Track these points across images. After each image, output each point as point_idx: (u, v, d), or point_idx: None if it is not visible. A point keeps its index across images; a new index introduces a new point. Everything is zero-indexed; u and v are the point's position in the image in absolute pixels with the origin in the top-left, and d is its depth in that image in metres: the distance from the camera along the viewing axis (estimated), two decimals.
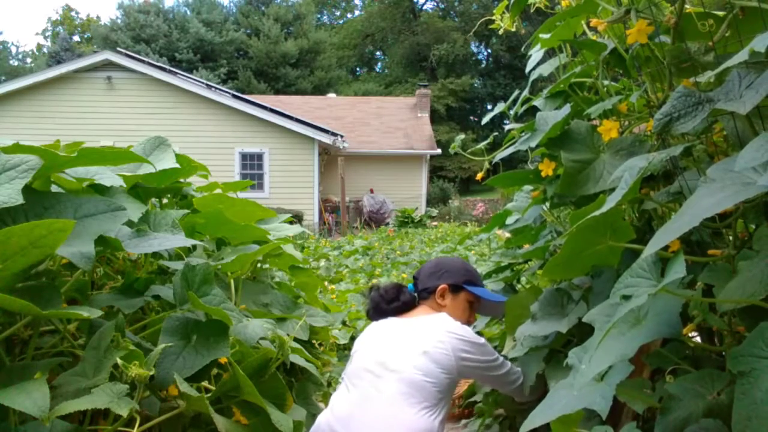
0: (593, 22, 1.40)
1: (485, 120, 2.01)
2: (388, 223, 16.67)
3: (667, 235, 0.81)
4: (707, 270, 1.06)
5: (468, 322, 1.98)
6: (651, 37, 1.22)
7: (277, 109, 15.34)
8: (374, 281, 2.03)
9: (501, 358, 1.85)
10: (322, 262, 7.63)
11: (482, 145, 1.86)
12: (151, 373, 1.17)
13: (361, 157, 18.39)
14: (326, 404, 2.21)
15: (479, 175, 1.83)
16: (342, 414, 1.71)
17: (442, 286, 1.97)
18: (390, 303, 1.97)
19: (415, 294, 2.03)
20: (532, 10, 1.69)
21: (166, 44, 29.27)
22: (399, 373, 1.69)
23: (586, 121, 1.49)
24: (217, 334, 1.36)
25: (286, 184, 15.17)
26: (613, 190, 1.06)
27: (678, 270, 0.89)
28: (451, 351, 1.73)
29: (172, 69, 16.29)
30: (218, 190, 2.18)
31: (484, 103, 35.23)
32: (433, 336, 1.76)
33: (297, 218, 13.85)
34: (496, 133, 2.08)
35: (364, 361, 1.78)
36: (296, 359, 1.70)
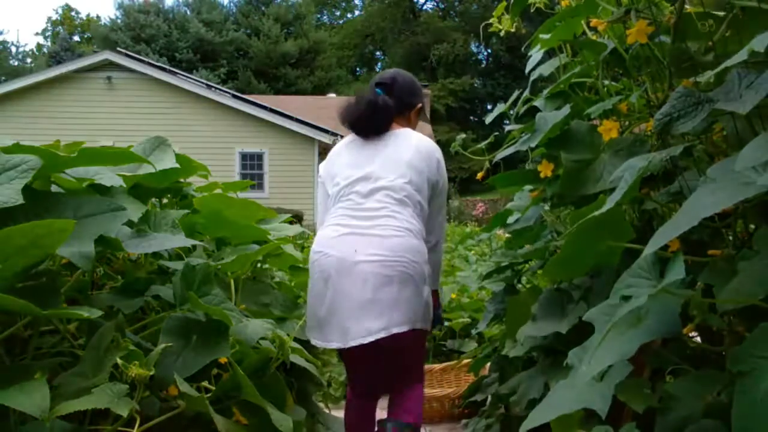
0: (593, 22, 1.40)
1: (488, 120, 2.02)
2: None
3: (667, 234, 0.81)
4: (707, 270, 1.05)
5: None
6: (651, 37, 1.21)
7: (277, 109, 15.31)
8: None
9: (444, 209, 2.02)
10: None
11: (482, 144, 1.86)
12: (151, 373, 1.17)
13: None
14: (326, 404, 2.21)
15: (479, 175, 1.83)
16: (333, 232, 1.79)
17: (419, 105, 2.05)
18: (369, 120, 1.91)
19: (388, 101, 1.92)
20: (532, 10, 1.69)
21: (166, 44, 29.22)
22: (388, 183, 1.81)
23: (586, 121, 1.49)
24: (217, 334, 1.36)
25: (286, 184, 15.14)
26: (613, 190, 1.06)
27: (677, 271, 0.89)
28: (435, 166, 1.88)
29: (172, 69, 16.29)
30: (218, 190, 2.18)
31: (484, 103, 35.12)
32: (415, 149, 1.87)
33: (297, 218, 13.83)
34: (496, 133, 2.08)
35: (349, 179, 1.86)
36: (296, 359, 1.70)
